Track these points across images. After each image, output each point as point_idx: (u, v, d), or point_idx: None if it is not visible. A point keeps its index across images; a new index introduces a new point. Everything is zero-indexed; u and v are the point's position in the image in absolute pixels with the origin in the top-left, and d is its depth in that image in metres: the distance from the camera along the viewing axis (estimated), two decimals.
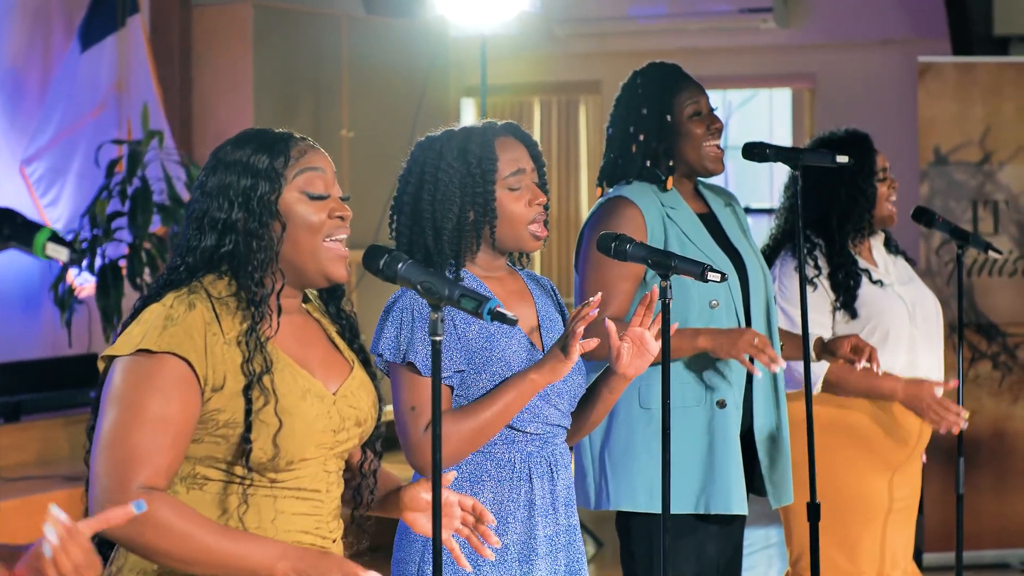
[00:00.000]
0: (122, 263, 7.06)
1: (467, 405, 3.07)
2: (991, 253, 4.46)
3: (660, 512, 3.79)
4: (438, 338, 2.45)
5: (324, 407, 2.63)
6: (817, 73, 10.05)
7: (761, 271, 4.00)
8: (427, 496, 2.82)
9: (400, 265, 2.52)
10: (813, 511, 3.94)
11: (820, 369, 4.33)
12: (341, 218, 2.65)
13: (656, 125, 3.93)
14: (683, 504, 3.83)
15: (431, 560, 2.82)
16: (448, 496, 2.80)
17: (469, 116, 11.03)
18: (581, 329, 2.96)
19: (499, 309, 2.46)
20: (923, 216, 4.53)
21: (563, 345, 3.00)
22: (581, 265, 3.88)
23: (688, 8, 9.78)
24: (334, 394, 2.67)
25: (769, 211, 9.64)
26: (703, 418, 3.85)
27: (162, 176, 7.19)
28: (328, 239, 2.64)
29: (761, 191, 10.79)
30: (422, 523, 2.83)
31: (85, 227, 7.08)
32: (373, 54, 8.67)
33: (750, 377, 3.91)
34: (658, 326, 3.12)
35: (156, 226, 7.16)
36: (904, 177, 8.01)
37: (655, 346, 3.11)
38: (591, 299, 2.95)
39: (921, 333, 4.47)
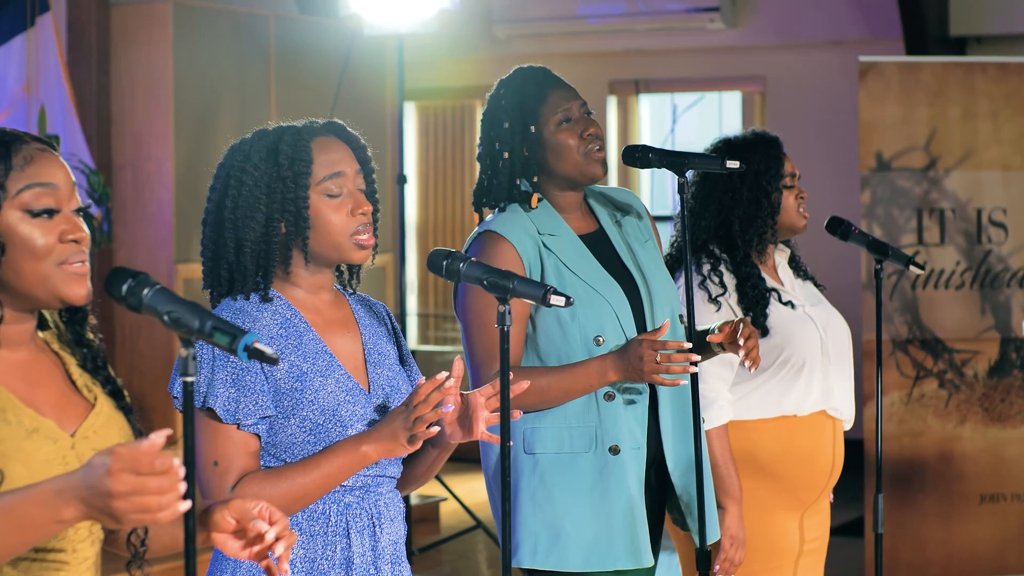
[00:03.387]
0: None
1: (283, 467, 2.67)
2: (912, 269, 4.03)
3: (546, 569, 3.41)
4: (189, 379, 2.05)
5: (58, 451, 2.22)
6: (767, 76, 9.76)
7: (664, 288, 3.58)
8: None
9: (146, 291, 2.09)
10: (702, 558, 3.52)
11: (725, 407, 3.91)
12: (76, 241, 2.24)
13: (519, 139, 3.50)
14: (572, 561, 3.42)
15: None
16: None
17: (410, 120, 10.71)
18: (432, 418, 2.59)
19: (257, 345, 2.05)
20: (838, 227, 4.11)
21: (410, 431, 2.61)
22: (461, 310, 3.45)
23: (635, 8, 9.57)
24: (72, 436, 2.26)
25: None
26: (593, 465, 3.43)
27: None
28: (62, 264, 2.24)
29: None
30: (231, 545, 2.33)
31: None
32: (301, 54, 8.30)
33: (656, 412, 3.50)
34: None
35: None
36: (853, 184, 7.67)
37: (480, 428, 2.71)
38: (439, 377, 2.59)
39: (833, 359, 4.05)
